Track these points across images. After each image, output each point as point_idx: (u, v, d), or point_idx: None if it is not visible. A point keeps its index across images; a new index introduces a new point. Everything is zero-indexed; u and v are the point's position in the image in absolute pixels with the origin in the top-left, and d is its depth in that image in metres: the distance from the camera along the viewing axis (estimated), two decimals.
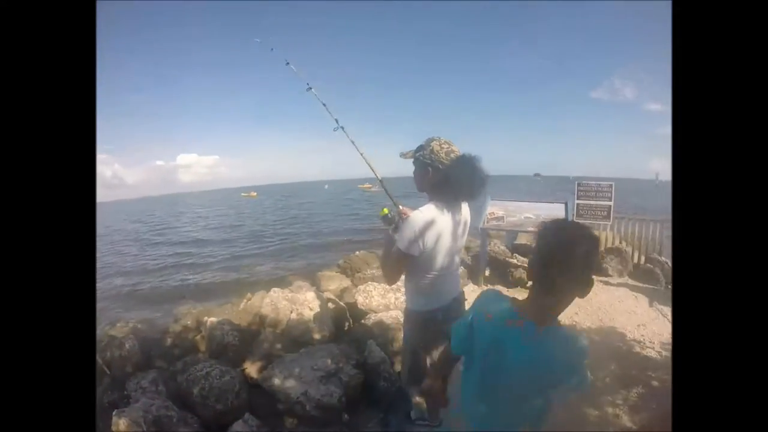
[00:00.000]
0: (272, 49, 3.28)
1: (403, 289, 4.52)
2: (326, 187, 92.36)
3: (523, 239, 6.99)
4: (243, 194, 78.34)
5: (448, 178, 1.86)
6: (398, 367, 3.53)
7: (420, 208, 1.90)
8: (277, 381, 3.07)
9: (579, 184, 5.49)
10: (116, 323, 6.87)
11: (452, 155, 1.88)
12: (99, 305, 8.87)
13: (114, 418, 2.50)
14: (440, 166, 1.87)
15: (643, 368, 3.27)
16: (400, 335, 3.70)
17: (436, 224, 1.87)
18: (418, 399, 2.93)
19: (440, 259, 1.98)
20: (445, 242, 1.95)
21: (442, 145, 1.90)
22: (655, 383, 3.06)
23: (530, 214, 5.45)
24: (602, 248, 6.14)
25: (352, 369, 3.19)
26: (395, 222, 2.13)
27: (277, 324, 4.49)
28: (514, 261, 5.78)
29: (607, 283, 5.44)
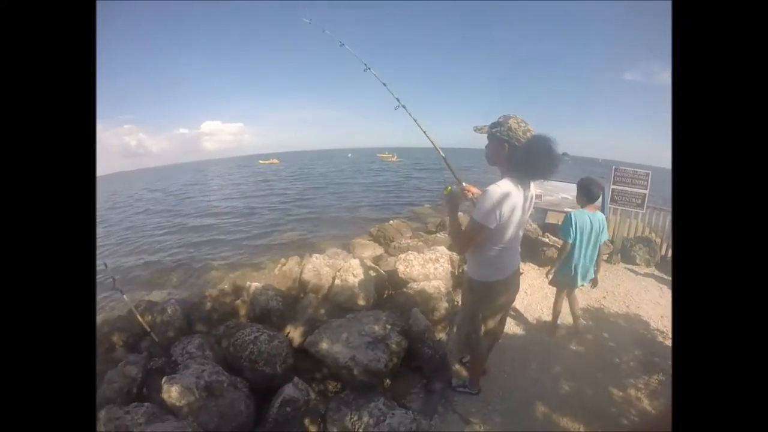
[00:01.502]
0: (324, 31, 3.36)
1: (441, 260, 4.65)
2: (349, 155, 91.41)
3: (552, 219, 6.95)
4: (261, 161, 72.08)
5: (525, 156, 1.88)
6: (440, 335, 3.63)
7: (497, 182, 1.91)
8: (324, 345, 3.11)
9: (616, 170, 5.36)
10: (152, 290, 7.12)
11: (528, 134, 1.90)
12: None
13: (165, 386, 2.53)
14: (516, 143, 1.90)
15: (665, 357, 3.34)
16: (443, 304, 3.84)
17: (511, 198, 1.90)
18: (458, 367, 3.12)
19: (509, 233, 2.03)
20: (516, 216, 1.99)
21: (520, 124, 1.91)
22: None
23: (567, 195, 5.45)
24: (631, 236, 6.19)
25: (397, 336, 3.20)
26: (459, 199, 2.20)
27: (319, 290, 4.56)
28: (546, 240, 5.78)
29: (634, 271, 5.49)
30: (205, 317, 4.57)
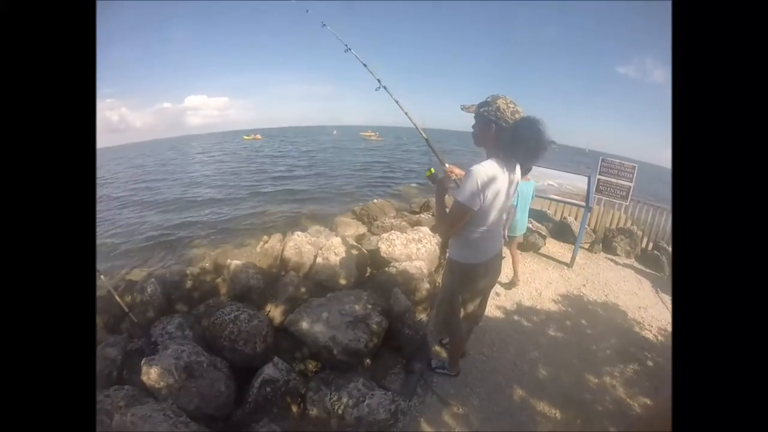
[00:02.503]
0: (307, 11, 3.32)
1: (423, 240, 4.63)
2: (335, 132, 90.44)
3: (537, 204, 6.97)
4: (246, 137, 70.49)
5: (512, 138, 1.81)
6: (421, 316, 3.63)
7: (481, 163, 1.85)
8: (304, 325, 3.10)
9: (603, 161, 5.35)
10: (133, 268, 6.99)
11: (517, 115, 1.83)
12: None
13: (144, 368, 2.49)
14: (504, 124, 1.82)
15: (640, 347, 3.43)
16: (424, 285, 3.85)
17: (496, 180, 1.85)
18: (437, 348, 3.13)
19: (492, 215, 1.98)
20: (500, 199, 1.94)
21: (508, 104, 1.84)
22: (649, 363, 3.21)
23: (553, 181, 5.41)
24: (614, 227, 6.29)
25: (378, 316, 3.19)
26: (444, 181, 2.16)
27: (301, 268, 4.54)
28: (530, 225, 5.59)
29: (614, 261, 5.61)
30: (185, 296, 4.52)
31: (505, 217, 2.19)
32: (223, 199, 14.24)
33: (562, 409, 2.64)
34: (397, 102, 2.75)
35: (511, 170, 1.96)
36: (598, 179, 5.42)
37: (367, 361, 3.07)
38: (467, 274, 2.22)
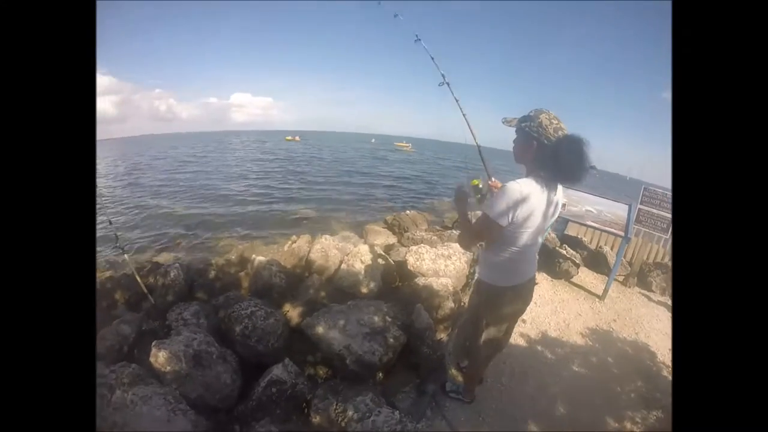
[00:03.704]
0: (379, 2, 3.34)
1: (453, 257, 4.50)
2: (373, 141, 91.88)
3: (572, 231, 6.75)
4: (287, 138, 76.73)
5: (554, 156, 1.71)
6: (441, 335, 3.52)
7: (517, 180, 1.75)
8: (320, 329, 3.04)
9: (645, 189, 5.06)
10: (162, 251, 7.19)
11: (560, 132, 1.73)
12: None
13: (153, 350, 2.51)
14: (546, 141, 1.73)
15: (667, 393, 3.13)
16: (448, 303, 3.72)
17: (531, 199, 1.73)
18: (454, 371, 2.97)
19: (526, 236, 1.86)
20: (535, 220, 1.81)
21: (552, 120, 1.74)
22: None
23: (592, 207, 5.07)
24: (651, 261, 5.99)
25: (397, 330, 3.10)
26: (484, 194, 2.07)
27: (324, 271, 4.50)
28: (563, 252, 5.61)
29: (648, 297, 5.23)
30: (207, 285, 4.56)
31: (540, 240, 2.06)
32: (257, 198, 14.51)
33: None
34: (457, 101, 2.71)
35: (552, 190, 1.84)
36: (639, 209, 5.16)
37: (380, 375, 2.99)
38: (494, 297, 2.09)
